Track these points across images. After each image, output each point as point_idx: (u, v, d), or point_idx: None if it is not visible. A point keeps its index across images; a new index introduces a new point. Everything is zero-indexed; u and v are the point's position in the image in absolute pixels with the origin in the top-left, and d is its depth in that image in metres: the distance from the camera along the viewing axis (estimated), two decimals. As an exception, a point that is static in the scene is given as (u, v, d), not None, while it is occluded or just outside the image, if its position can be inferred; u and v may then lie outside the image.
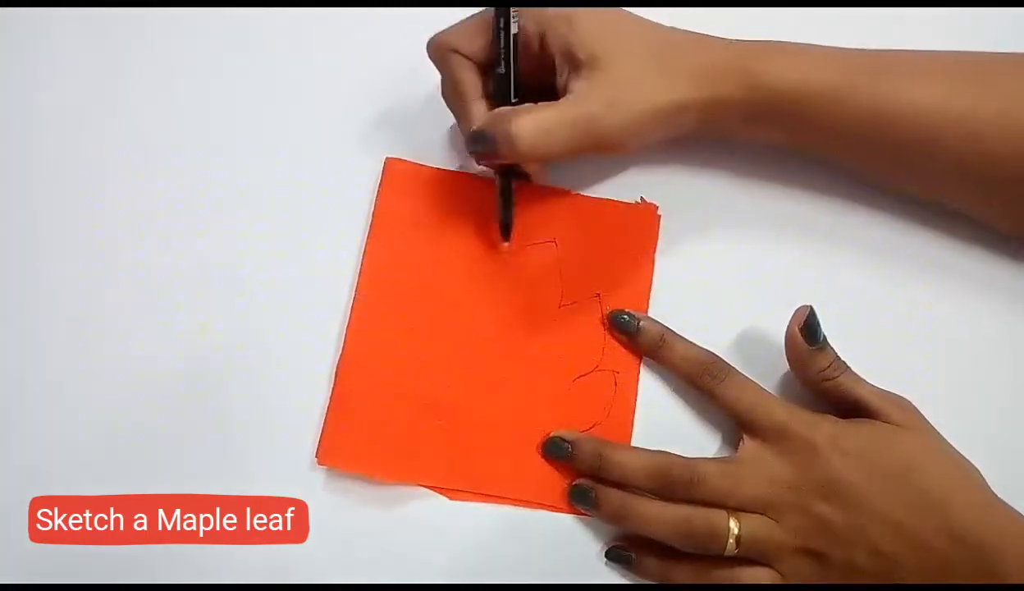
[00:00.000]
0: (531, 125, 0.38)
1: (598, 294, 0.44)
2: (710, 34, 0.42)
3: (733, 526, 0.39)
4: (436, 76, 0.43)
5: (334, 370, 0.43)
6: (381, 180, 0.45)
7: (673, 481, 0.40)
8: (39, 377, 0.43)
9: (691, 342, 0.43)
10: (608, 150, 0.41)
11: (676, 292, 0.44)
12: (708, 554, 0.39)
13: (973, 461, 0.39)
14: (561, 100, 0.39)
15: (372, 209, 0.45)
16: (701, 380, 0.42)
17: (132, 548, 0.42)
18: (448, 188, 0.45)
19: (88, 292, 0.44)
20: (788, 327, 0.40)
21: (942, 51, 0.41)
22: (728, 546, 0.39)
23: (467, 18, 0.41)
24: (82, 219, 0.45)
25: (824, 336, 0.40)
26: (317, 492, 0.42)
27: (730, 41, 0.41)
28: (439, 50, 0.41)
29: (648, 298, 0.44)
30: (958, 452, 0.39)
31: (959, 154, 0.40)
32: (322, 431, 0.42)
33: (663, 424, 0.43)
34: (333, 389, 0.43)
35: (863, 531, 0.38)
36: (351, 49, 0.48)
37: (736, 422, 0.41)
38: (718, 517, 0.39)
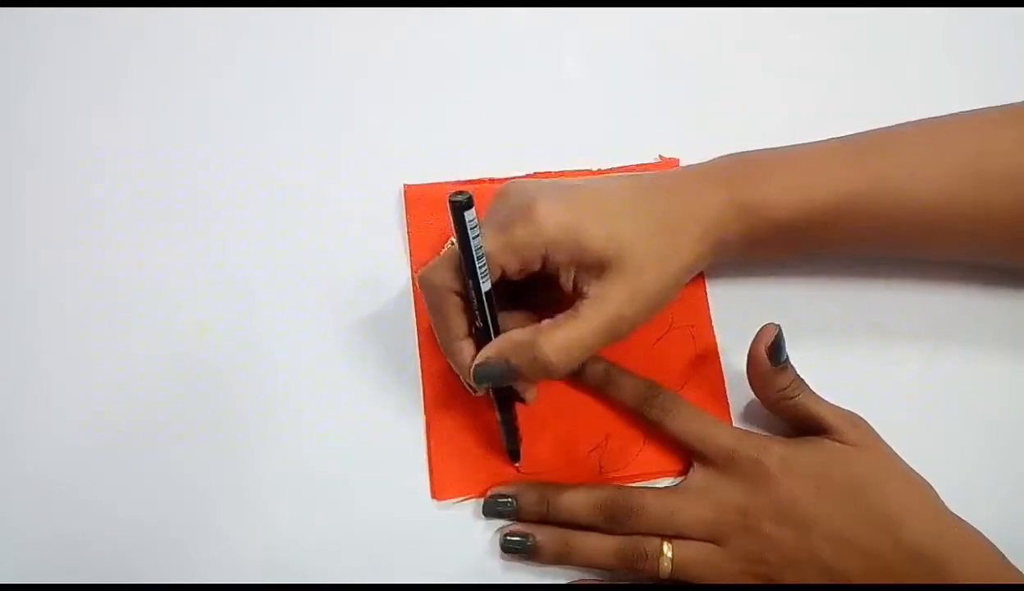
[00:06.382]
0: (562, 346, 0.36)
1: None
2: (697, 164, 0.41)
3: (666, 550, 0.39)
4: (441, 76, 0.42)
5: (336, 369, 0.43)
6: (405, 209, 0.46)
7: (615, 512, 0.40)
8: (39, 377, 0.43)
9: (634, 375, 0.43)
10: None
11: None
12: (645, 578, 0.40)
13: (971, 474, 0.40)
14: (582, 310, 0.37)
15: (406, 241, 0.45)
16: (650, 412, 0.42)
17: (132, 547, 0.42)
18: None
19: (88, 292, 0.44)
20: (753, 345, 0.40)
21: (936, 127, 0.40)
22: (662, 569, 0.39)
23: (448, 252, 0.39)
24: (82, 219, 0.45)
25: (787, 355, 0.40)
26: (316, 491, 0.42)
27: (720, 167, 0.40)
28: (435, 293, 0.38)
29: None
30: (911, 469, 0.40)
31: (966, 234, 0.40)
32: (430, 471, 0.43)
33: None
34: (427, 429, 0.43)
35: (813, 551, 0.38)
36: (351, 47, 0.48)
37: (686, 451, 0.42)
38: (650, 543, 0.39)
